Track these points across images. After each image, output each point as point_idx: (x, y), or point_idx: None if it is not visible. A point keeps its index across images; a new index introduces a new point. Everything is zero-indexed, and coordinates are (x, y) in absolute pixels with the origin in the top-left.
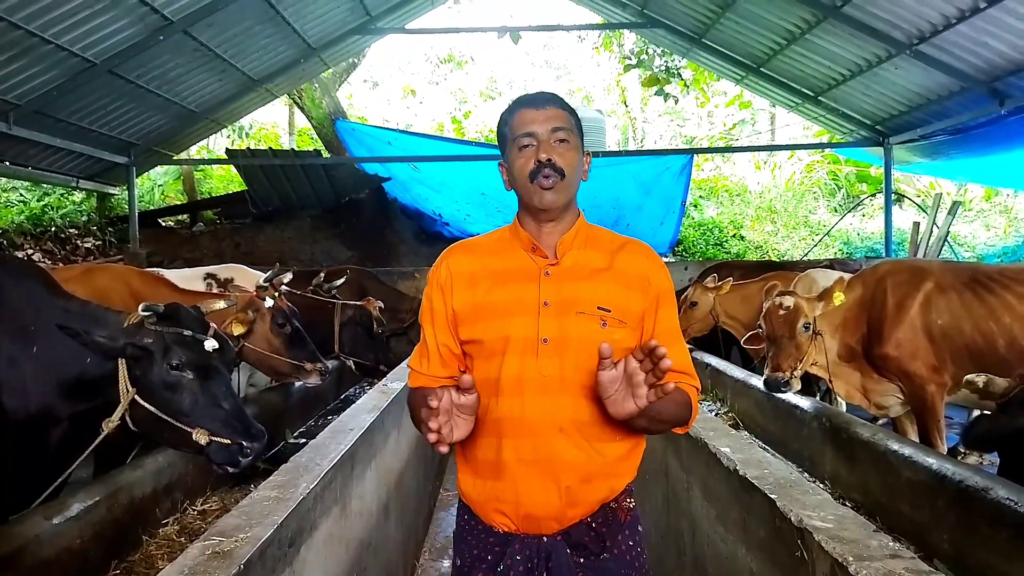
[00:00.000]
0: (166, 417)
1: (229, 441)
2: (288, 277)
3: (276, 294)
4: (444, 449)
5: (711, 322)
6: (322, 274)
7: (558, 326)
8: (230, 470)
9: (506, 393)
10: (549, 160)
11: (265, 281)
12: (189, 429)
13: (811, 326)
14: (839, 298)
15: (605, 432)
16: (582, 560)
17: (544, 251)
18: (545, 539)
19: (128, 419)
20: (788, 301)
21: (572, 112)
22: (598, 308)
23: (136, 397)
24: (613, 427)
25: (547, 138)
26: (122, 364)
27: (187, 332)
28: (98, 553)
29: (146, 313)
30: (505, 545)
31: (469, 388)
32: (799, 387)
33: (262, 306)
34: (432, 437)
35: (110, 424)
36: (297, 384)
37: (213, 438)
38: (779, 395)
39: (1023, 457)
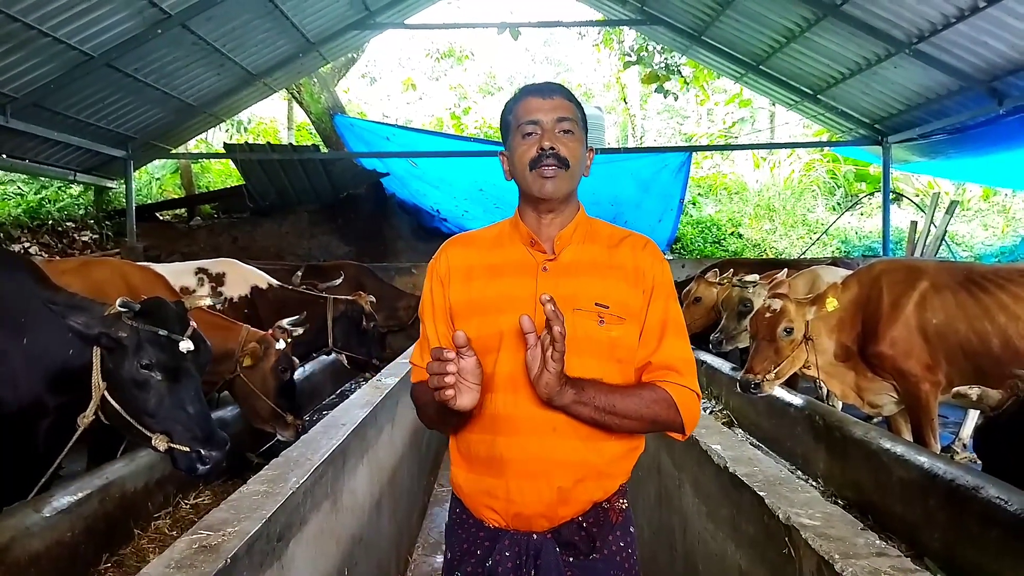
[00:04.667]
0: (128, 418)
1: (188, 448)
2: (300, 332)
3: (289, 339)
4: (449, 394)
5: (713, 317)
6: (299, 272)
7: None
8: (190, 475)
9: (501, 390)
10: (552, 148)
11: (290, 324)
12: (149, 433)
13: (793, 330)
14: (832, 304)
15: (600, 431)
16: (571, 559)
17: (542, 245)
18: (535, 536)
19: (101, 414)
20: (776, 304)
21: (579, 105)
22: (596, 304)
23: (105, 393)
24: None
25: (552, 127)
26: (96, 356)
27: (162, 332)
28: (89, 546)
29: (123, 309)
30: (495, 540)
31: (463, 345)
32: (771, 390)
33: (273, 345)
34: (447, 384)
35: (85, 420)
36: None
37: (172, 444)
38: (750, 396)
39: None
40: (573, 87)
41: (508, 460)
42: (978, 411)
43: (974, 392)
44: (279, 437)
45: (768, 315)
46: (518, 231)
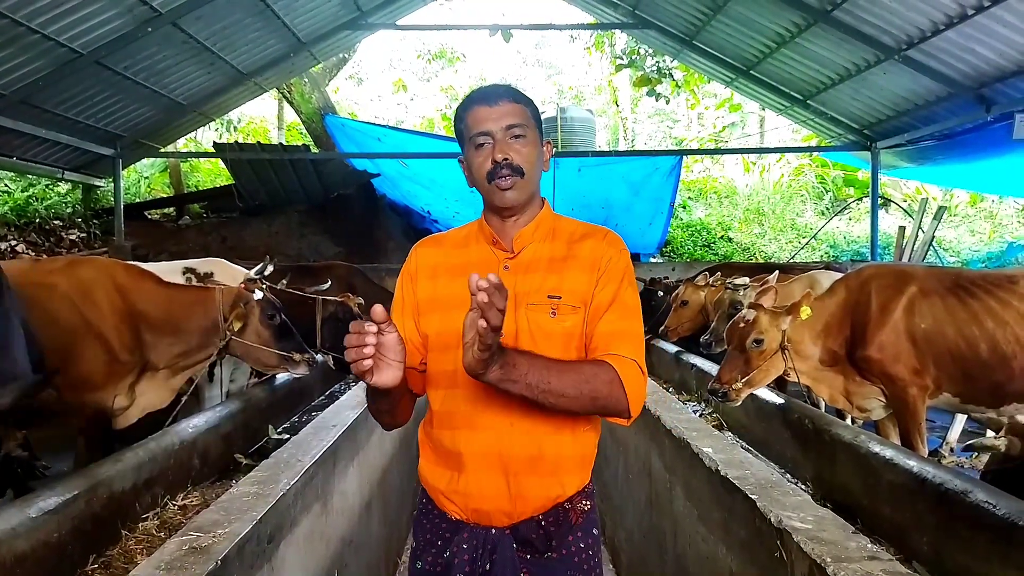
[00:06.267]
0: None
1: None
2: (270, 269)
3: (264, 286)
4: (367, 365)
5: (702, 321)
6: (268, 269)
7: (510, 319)
8: None
9: (460, 386)
10: (506, 159)
11: (256, 274)
12: None
13: (763, 341)
14: (806, 312)
15: (556, 427)
16: (528, 556)
17: (504, 244)
18: (493, 531)
19: None
20: (750, 315)
21: (528, 103)
22: (548, 297)
23: None
24: (564, 422)
25: (502, 136)
26: None
27: None
28: (76, 547)
29: None
30: (455, 533)
31: (382, 320)
32: (740, 399)
33: (251, 299)
34: (364, 357)
35: None
36: (281, 378)
37: None
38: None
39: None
40: (564, 90)
41: (466, 454)
42: (964, 417)
43: (1002, 443)
44: (293, 375)
45: (741, 325)
46: (483, 232)
